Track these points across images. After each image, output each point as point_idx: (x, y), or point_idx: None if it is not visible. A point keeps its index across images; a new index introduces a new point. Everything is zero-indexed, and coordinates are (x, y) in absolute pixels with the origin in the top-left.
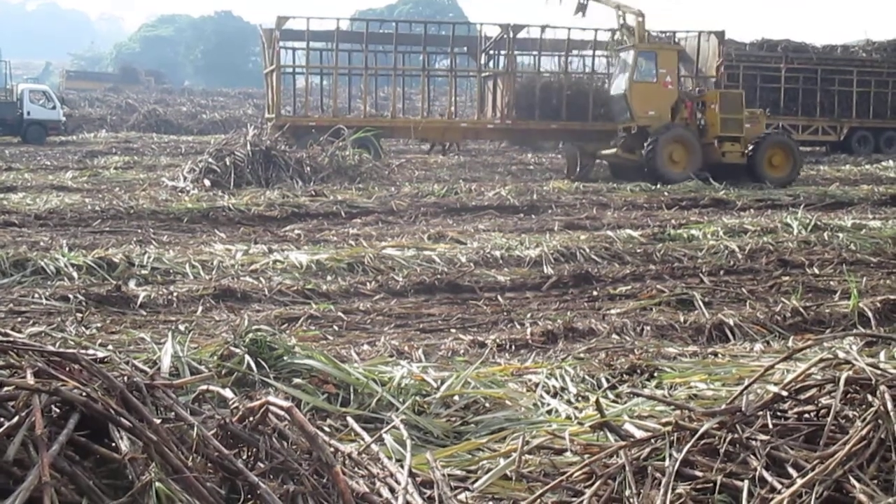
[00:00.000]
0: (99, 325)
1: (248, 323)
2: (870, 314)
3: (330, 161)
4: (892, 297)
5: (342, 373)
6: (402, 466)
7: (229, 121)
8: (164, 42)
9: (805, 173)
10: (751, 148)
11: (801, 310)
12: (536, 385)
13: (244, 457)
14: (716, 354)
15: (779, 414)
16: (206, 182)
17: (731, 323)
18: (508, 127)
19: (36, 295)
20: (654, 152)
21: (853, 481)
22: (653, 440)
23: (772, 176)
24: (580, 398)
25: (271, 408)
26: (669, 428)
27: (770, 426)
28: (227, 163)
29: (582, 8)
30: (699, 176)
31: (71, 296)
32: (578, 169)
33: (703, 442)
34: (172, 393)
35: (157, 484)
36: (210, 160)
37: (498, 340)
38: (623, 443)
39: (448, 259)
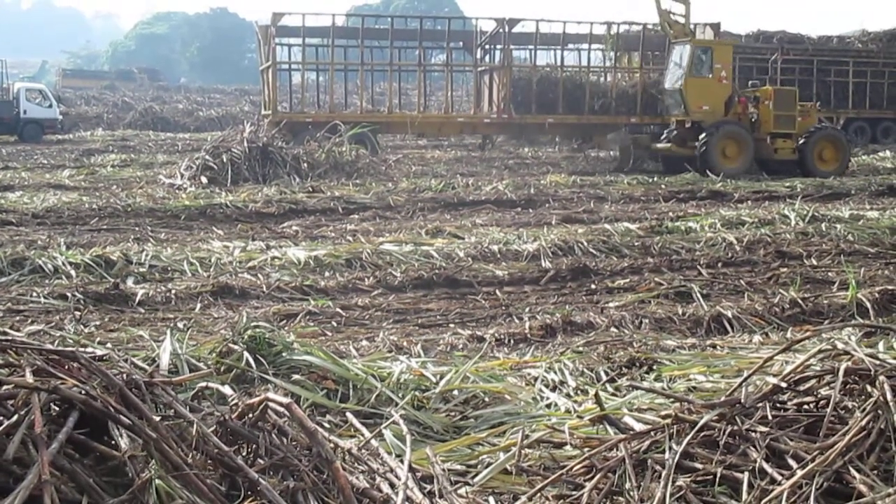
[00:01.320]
0: (97, 323)
1: (246, 320)
2: (868, 305)
3: (327, 157)
4: (890, 287)
5: (341, 368)
6: (401, 461)
7: (226, 118)
8: (160, 39)
9: None
10: (801, 142)
11: (800, 301)
12: (535, 379)
13: (244, 453)
14: (714, 346)
15: (778, 405)
16: (203, 179)
17: (730, 315)
18: (505, 121)
19: (34, 293)
20: (708, 147)
21: (853, 472)
22: (652, 433)
23: (822, 170)
24: (579, 392)
25: (270, 404)
26: (669, 420)
27: (769, 418)
28: (224, 160)
29: None
30: (750, 174)
31: (69, 294)
32: (632, 161)
33: (702, 434)
34: (171, 390)
35: (157, 481)
36: (207, 157)
37: (497, 335)
38: (623, 436)
39: (446, 254)
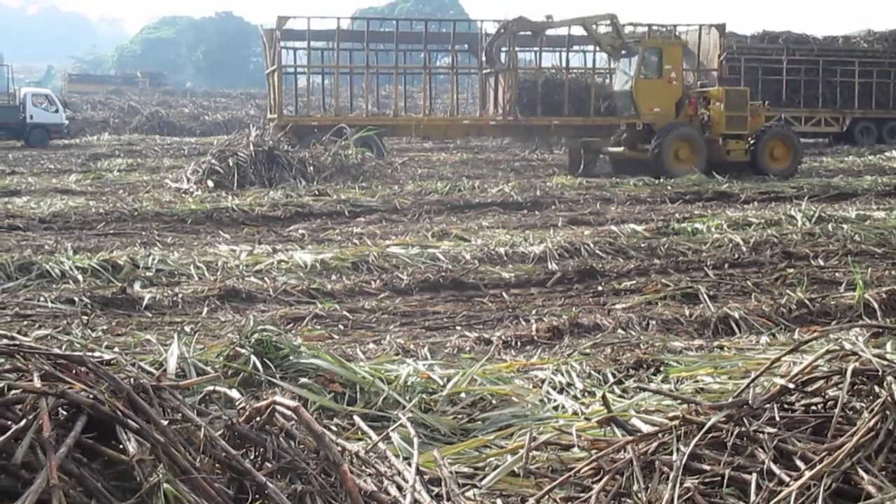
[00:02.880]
0: (105, 327)
1: (253, 323)
2: (875, 305)
3: (333, 160)
4: None
5: (348, 372)
6: (409, 464)
7: (232, 122)
8: (166, 44)
9: (808, 165)
10: (752, 142)
11: (807, 302)
12: (543, 381)
13: (251, 457)
14: (722, 348)
15: (786, 406)
16: (210, 183)
17: (737, 316)
18: (511, 123)
19: (41, 298)
20: (661, 150)
21: (861, 473)
22: (660, 434)
23: (774, 168)
24: (586, 393)
25: (278, 407)
26: (676, 422)
27: (777, 419)
28: (231, 164)
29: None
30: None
31: (76, 298)
32: (582, 165)
33: (710, 436)
34: (179, 394)
35: (165, 485)
36: (213, 161)
37: (503, 337)
38: (630, 437)
39: (452, 256)
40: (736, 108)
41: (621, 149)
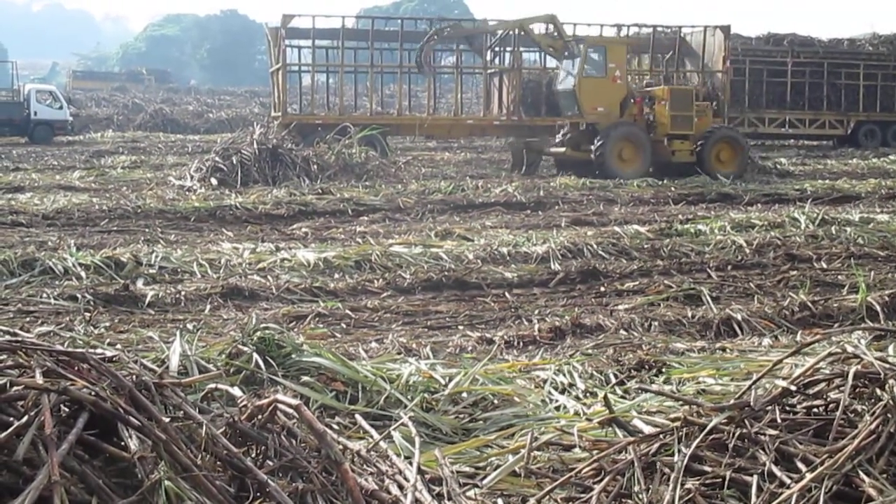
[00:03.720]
0: (107, 324)
1: (255, 321)
2: (878, 308)
3: (336, 159)
4: None
5: (350, 370)
6: (410, 463)
7: (236, 119)
8: (170, 41)
9: (812, 167)
10: (699, 144)
11: (809, 304)
12: (544, 381)
13: (253, 455)
14: (724, 349)
15: (787, 408)
16: (213, 181)
17: (739, 318)
18: (515, 123)
19: (44, 295)
20: (604, 151)
21: (862, 475)
22: (661, 436)
23: (720, 171)
24: (588, 394)
25: (280, 406)
26: (678, 423)
27: (779, 421)
28: (234, 161)
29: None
30: (647, 175)
31: (79, 295)
32: (525, 165)
33: (711, 437)
34: (181, 391)
35: (167, 482)
36: (217, 159)
37: (506, 337)
38: (632, 438)
39: (455, 256)
40: (681, 108)
41: (563, 149)
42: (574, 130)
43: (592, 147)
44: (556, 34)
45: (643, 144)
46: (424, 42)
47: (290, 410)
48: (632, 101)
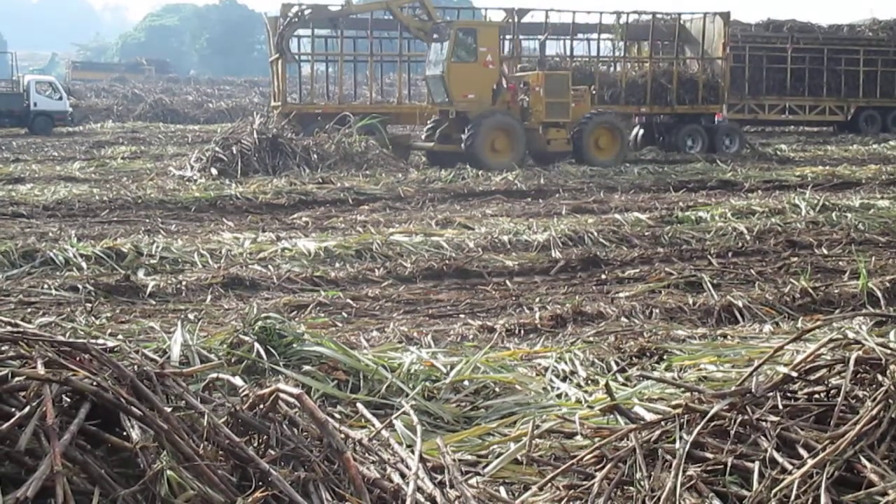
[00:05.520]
0: (108, 314)
1: (257, 311)
2: (879, 294)
3: (336, 148)
4: None
5: (352, 359)
6: (412, 452)
7: (235, 109)
8: (170, 31)
9: (813, 153)
10: (576, 130)
11: (810, 290)
12: (546, 369)
13: (255, 444)
14: (725, 336)
15: (789, 395)
16: (214, 171)
17: (740, 304)
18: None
19: (45, 285)
20: (475, 141)
21: (864, 461)
22: (663, 423)
23: (599, 159)
24: (590, 382)
25: (281, 395)
26: (679, 410)
27: (780, 407)
28: (234, 151)
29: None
30: (521, 166)
31: (80, 286)
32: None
33: (713, 424)
34: (182, 381)
35: (169, 472)
36: (217, 149)
37: (507, 325)
38: (633, 426)
39: (456, 244)
40: (557, 95)
41: (430, 144)
42: (443, 119)
43: (463, 136)
44: (425, 16)
45: (517, 133)
46: (284, 27)
47: (292, 400)
48: (505, 87)
